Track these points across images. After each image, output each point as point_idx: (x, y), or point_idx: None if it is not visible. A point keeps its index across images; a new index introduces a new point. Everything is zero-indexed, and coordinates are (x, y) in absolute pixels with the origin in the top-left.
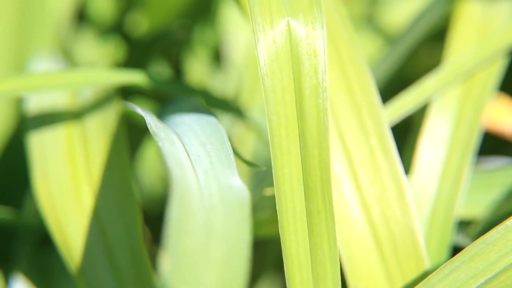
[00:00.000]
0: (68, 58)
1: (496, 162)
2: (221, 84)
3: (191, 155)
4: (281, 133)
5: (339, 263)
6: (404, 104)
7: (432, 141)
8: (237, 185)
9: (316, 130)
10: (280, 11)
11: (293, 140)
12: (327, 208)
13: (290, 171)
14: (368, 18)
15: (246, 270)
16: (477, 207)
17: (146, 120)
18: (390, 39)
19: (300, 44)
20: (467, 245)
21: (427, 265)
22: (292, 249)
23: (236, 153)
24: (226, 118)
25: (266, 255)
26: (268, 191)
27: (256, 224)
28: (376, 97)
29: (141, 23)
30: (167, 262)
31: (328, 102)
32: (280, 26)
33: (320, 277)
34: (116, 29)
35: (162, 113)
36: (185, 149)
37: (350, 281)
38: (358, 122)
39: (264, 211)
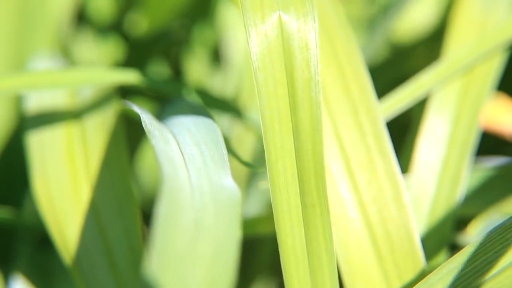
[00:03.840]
0: (68, 58)
1: (495, 162)
2: (220, 84)
3: (185, 154)
4: (274, 127)
5: (335, 255)
6: (401, 98)
7: (430, 140)
8: (229, 185)
9: (309, 124)
10: (271, 5)
11: (287, 134)
12: (322, 201)
13: (284, 165)
14: (367, 19)
15: (234, 268)
16: (475, 206)
17: (142, 118)
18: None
19: (291, 37)
20: (466, 244)
21: (423, 264)
22: (288, 242)
23: (233, 153)
24: (226, 118)
25: (263, 253)
26: (262, 184)
27: (253, 221)
28: (373, 97)
29: (141, 23)
30: (153, 258)
31: (321, 95)
32: (272, 20)
33: (317, 269)
34: (115, 29)
35: (160, 113)
36: (180, 148)
37: (346, 281)
38: (355, 122)
39: (261, 209)
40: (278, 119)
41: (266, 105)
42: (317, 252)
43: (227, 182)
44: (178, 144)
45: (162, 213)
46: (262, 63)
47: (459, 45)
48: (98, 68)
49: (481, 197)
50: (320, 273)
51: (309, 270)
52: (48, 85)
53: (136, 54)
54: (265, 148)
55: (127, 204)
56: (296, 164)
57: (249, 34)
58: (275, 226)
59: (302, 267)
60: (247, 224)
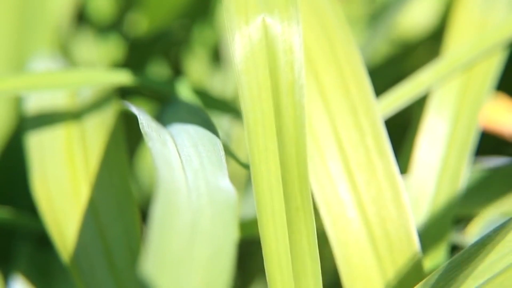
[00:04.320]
0: (68, 58)
1: (495, 162)
2: (220, 84)
3: (183, 155)
4: (257, 130)
5: (319, 259)
6: (400, 96)
7: (430, 140)
8: (225, 186)
9: (293, 127)
10: (256, 8)
11: (270, 137)
12: (305, 205)
13: (268, 169)
14: (366, 18)
15: (231, 271)
16: (475, 206)
17: (139, 120)
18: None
19: (275, 40)
20: (466, 244)
21: (422, 265)
22: (271, 246)
23: (231, 155)
24: (225, 119)
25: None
26: None
27: (252, 223)
28: (372, 97)
29: (141, 23)
30: (149, 260)
31: (304, 98)
32: (256, 23)
33: (301, 274)
34: (115, 29)
35: (160, 114)
36: (177, 150)
37: (345, 281)
38: (354, 122)
39: None
40: (262, 122)
41: (250, 108)
42: (301, 256)
43: (224, 183)
44: (176, 146)
45: (158, 215)
46: (245, 65)
47: (458, 43)
48: (98, 68)
49: (481, 197)
50: (304, 278)
51: (293, 274)
52: (47, 86)
53: (136, 54)
54: (249, 152)
55: (126, 204)
56: (280, 168)
57: (233, 37)
58: (259, 230)
59: (286, 271)
60: (245, 226)
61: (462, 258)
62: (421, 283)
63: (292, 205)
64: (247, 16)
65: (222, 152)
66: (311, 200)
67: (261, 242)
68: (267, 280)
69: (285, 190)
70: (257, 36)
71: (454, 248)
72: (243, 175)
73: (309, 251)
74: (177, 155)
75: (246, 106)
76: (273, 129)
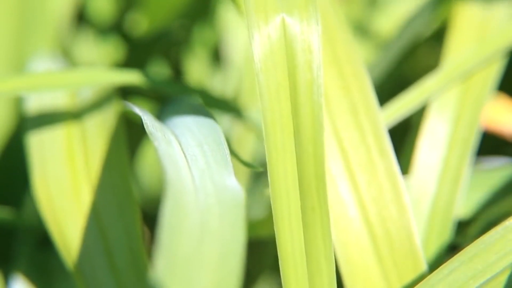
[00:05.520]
0: (68, 58)
1: (496, 162)
2: (220, 84)
3: (188, 155)
4: (275, 129)
5: (334, 260)
6: (403, 105)
7: (431, 141)
8: (232, 186)
9: (310, 127)
10: (275, 8)
11: (288, 136)
12: (322, 204)
13: (285, 168)
14: (366, 20)
15: (240, 271)
16: (476, 207)
17: (143, 120)
18: (383, 42)
19: (294, 40)
20: (466, 245)
21: (423, 265)
22: (287, 246)
23: (234, 154)
24: (226, 119)
25: (266, 255)
26: (267, 192)
27: (255, 224)
28: (373, 98)
29: (141, 23)
30: (159, 262)
31: (322, 98)
32: (275, 23)
33: (315, 274)
34: (115, 29)
35: (161, 113)
36: (182, 149)
37: (346, 281)
38: (355, 122)
39: (263, 211)
40: (280, 121)
41: (268, 107)
42: (316, 257)
43: (230, 182)
44: (181, 145)
45: (167, 216)
46: (264, 64)
47: (459, 49)
48: (98, 68)
49: (482, 198)
50: (319, 277)
51: (307, 274)
52: (48, 87)
53: (136, 54)
54: (266, 151)
55: (127, 205)
56: (297, 167)
57: (252, 36)
58: (275, 230)
59: (301, 271)
60: (249, 227)
61: (463, 259)
62: (422, 283)
63: (308, 205)
64: (266, 16)
65: (227, 151)
66: (327, 199)
67: (277, 241)
68: (282, 280)
69: (302, 189)
70: (276, 36)
71: (454, 248)
72: (244, 175)
73: (324, 251)
74: (183, 155)
75: (264, 105)
76: (290, 129)
